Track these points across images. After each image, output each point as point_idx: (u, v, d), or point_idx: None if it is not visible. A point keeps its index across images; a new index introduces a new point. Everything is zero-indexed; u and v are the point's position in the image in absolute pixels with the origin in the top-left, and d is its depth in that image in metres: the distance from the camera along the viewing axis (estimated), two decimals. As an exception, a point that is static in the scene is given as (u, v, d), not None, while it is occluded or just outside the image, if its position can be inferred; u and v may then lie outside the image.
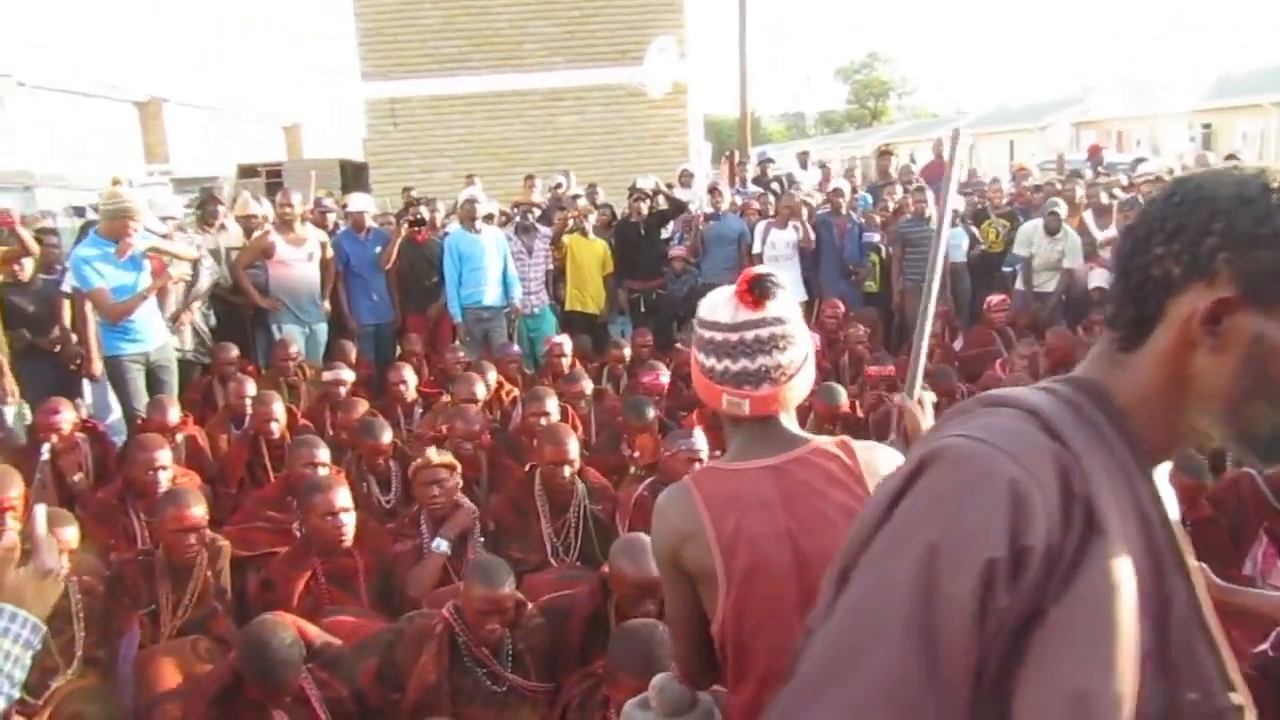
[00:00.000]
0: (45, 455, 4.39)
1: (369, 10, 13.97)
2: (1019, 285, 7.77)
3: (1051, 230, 7.61)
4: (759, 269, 1.61)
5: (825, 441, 1.64)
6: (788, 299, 1.63)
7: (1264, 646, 2.81)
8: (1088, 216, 8.25)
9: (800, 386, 1.63)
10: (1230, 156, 6.61)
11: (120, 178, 5.39)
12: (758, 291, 1.57)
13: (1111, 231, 8.08)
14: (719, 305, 1.62)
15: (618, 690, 2.31)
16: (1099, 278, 7.59)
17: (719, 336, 1.60)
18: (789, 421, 1.66)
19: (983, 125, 34.24)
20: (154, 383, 5.44)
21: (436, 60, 14.04)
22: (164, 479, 3.96)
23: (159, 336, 5.53)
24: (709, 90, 48.67)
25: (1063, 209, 7.75)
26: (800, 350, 1.61)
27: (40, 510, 1.39)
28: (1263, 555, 3.69)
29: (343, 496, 3.59)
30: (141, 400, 5.30)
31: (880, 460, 1.63)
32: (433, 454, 3.93)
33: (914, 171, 10.60)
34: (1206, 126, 24.19)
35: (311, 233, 6.91)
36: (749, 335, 1.57)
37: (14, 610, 1.34)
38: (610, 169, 13.11)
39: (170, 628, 3.28)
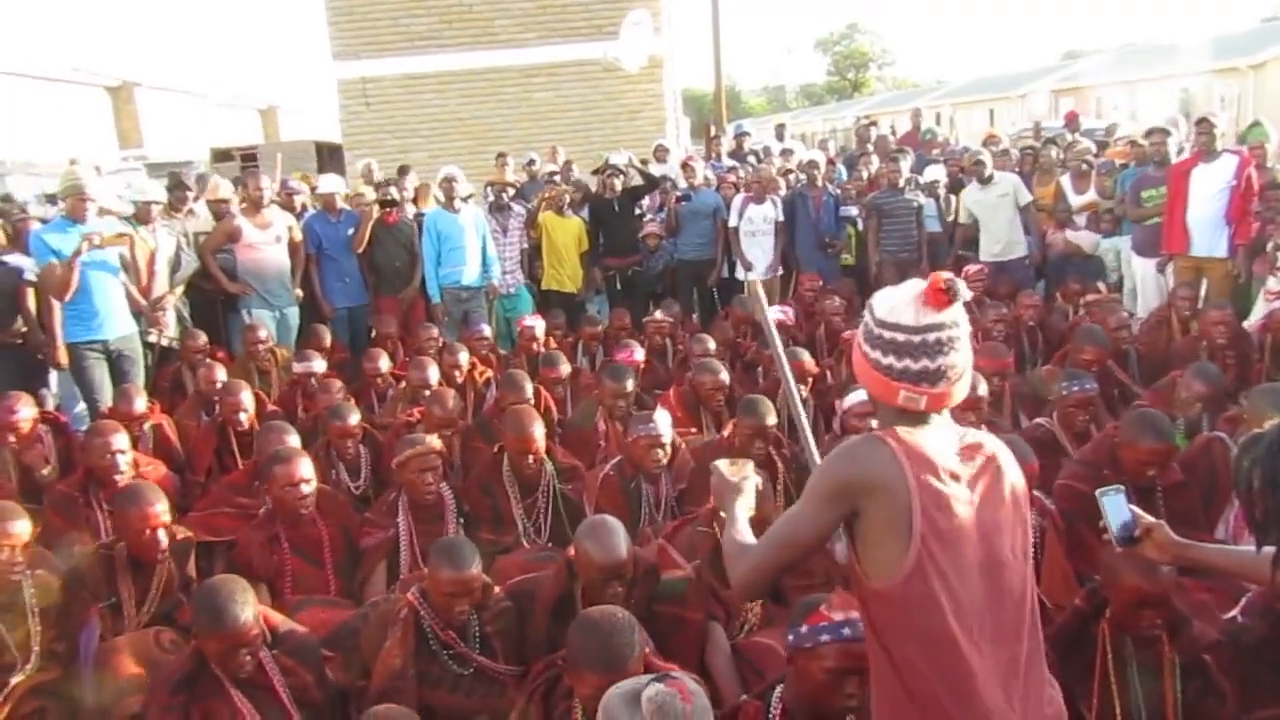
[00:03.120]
0: None
1: (339, -12, 13.76)
2: (982, 256, 7.57)
3: (982, 180, 7.46)
4: (944, 274, 1.69)
5: (990, 438, 1.80)
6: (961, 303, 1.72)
7: (1234, 612, 2.80)
8: (1065, 181, 8.20)
9: (966, 383, 1.73)
10: (1202, 120, 6.55)
11: (76, 158, 5.33)
12: (951, 294, 1.66)
13: (1089, 196, 8.04)
14: (900, 307, 1.70)
15: (580, 683, 2.27)
16: (1081, 239, 7.54)
17: (901, 337, 1.68)
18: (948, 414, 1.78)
19: (963, 95, 34.16)
20: (117, 372, 5.35)
21: (408, 38, 13.85)
22: (123, 463, 3.91)
23: (121, 325, 5.45)
24: (688, 64, 48.38)
25: (987, 160, 7.66)
26: (969, 349, 1.71)
27: None
28: (1235, 519, 3.68)
29: (305, 467, 3.62)
30: (102, 391, 5.22)
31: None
32: (434, 440, 3.87)
33: (890, 141, 10.54)
34: (1184, 91, 24.16)
35: (278, 216, 6.80)
36: (931, 337, 1.66)
37: None
38: (587, 145, 12.99)
39: (135, 622, 3.24)
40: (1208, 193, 6.31)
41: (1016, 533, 1.73)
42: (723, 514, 2.04)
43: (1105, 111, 24.41)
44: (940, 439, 1.71)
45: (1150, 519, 2.12)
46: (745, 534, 1.90)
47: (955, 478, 1.68)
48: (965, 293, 1.68)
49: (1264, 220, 6.29)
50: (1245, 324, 5.70)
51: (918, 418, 1.71)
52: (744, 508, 1.99)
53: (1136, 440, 3.44)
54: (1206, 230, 6.35)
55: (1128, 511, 2.11)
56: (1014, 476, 1.75)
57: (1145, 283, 7.00)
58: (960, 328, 1.69)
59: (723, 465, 2.08)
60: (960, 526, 1.65)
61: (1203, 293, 6.33)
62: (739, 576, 1.81)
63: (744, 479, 2.04)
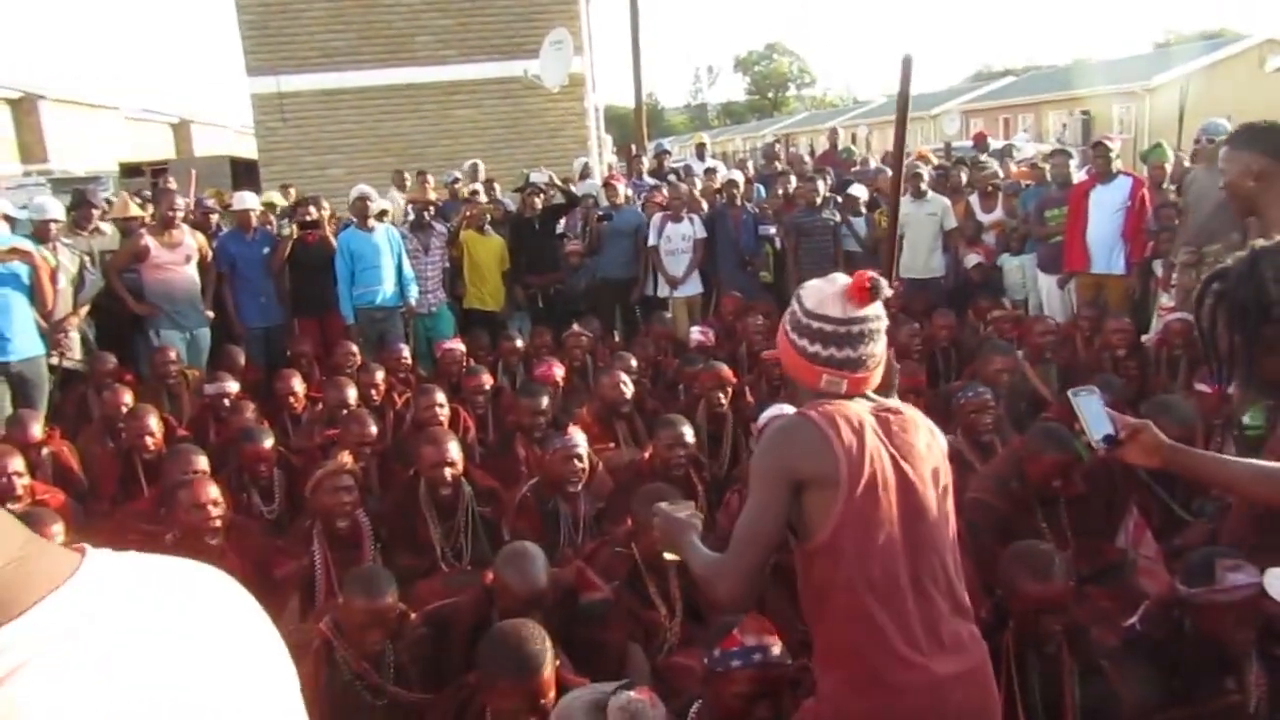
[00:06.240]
0: None
1: (253, 3, 13.50)
2: (901, 272, 7.73)
3: (917, 194, 7.62)
4: (869, 273, 1.84)
5: (906, 406, 1.98)
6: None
7: (1132, 620, 2.91)
8: (973, 200, 8.45)
9: (881, 370, 1.91)
10: (1098, 143, 6.84)
11: None
12: (875, 293, 1.82)
13: (996, 215, 8.30)
14: (828, 300, 1.85)
15: (496, 696, 2.25)
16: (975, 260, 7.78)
17: (829, 328, 1.84)
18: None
19: (878, 115, 34.95)
20: (20, 396, 5.16)
21: (325, 54, 13.66)
22: (19, 485, 3.76)
23: (26, 348, 5.26)
24: (611, 82, 48.69)
25: (924, 172, 7.85)
26: (885, 339, 1.89)
27: None
28: (1134, 527, 3.83)
29: (211, 489, 3.52)
30: (2, 415, 5.02)
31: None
32: (345, 458, 3.79)
33: (807, 162, 10.73)
34: (1086, 113, 25.15)
35: (188, 235, 6.63)
36: (855, 329, 1.83)
37: None
38: (509, 163, 12.95)
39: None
40: (1105, 213, 6.58)
41: (936, 486, 1.87)
42: (668, 556, 2.06)
43: (1014, 132, 25.29)
44: (856, 405, 1.86)
45: (1134, 420, 1.92)
46: (710, 555, 1.89)
47: (874, 432, 1.82)
48: (886, 290, 1.84)
49: (1156, 239, 6.58)
50: (1143, 339, 5.94)
51: (835, 398, 1.85)
52: (698, 538, 1.97)
53: (1040, 453, 3.55)
54: (1105, 249, 6.61)
55: (1105, 413, 1.90)
56: (930, 435, 1.90)
57: (1050, 298, 7.25)
58: (881, 320, 1.86)
59: (665, 507, 2.07)
60: (884, 477, 1.79)
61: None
62: (726, 592, 1.82)
63: (691, 514, 2.04)
